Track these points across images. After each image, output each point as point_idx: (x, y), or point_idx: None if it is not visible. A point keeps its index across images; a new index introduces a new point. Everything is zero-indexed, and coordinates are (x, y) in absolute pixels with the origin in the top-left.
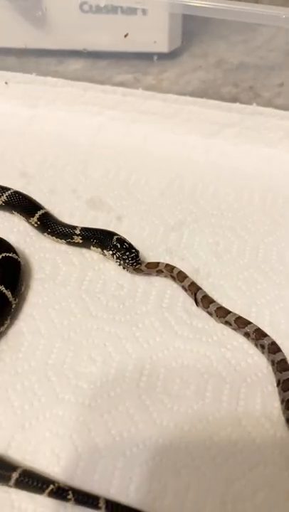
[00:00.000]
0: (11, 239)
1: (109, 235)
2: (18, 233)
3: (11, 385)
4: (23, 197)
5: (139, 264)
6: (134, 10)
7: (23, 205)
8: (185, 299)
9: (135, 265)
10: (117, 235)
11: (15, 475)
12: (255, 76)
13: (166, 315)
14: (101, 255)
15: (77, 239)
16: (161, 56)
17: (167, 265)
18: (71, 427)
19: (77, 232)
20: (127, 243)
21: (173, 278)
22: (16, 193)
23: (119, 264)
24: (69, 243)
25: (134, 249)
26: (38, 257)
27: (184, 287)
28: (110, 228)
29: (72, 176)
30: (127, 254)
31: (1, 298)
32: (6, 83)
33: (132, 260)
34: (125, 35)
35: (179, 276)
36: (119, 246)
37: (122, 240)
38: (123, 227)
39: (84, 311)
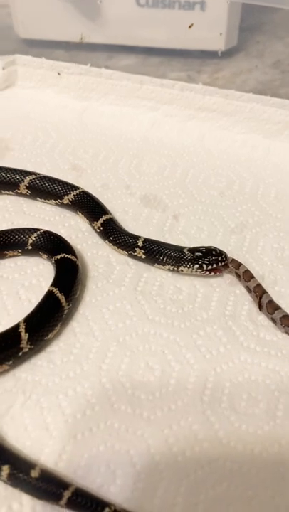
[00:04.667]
0: (62, 233)
1: (178, 248)
2: (70, 228)
3: (62, 390)
4: (90, 198)
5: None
6: (192, 5)
7: (90, 207)
8: (250, 308)
9: (226, 261)
10: (183, 247)
11: (67, 494)
12: None
13: (230, 324)
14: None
15: (140, 252)
16: (216, 55)
17: (234, 260)
18: (128, 440)
19: (140, 243)
20: (201, 248)
21: (238, 276)
22: (84, 193)
23: (209, 272)
24: (131, 255)
25: (210, 247)
26: (90, 254)
27: (248, 288)
28: (166, 227)
29: (125, 171)
30: (213, 254)
31: (54, 302)
32: (59, 74)
33: (221, 255)
34: (190, 26)
35: (245, 276)
36: (200, 254)
37: (194, 249)
38: (180, 226)
39: (140, 314)
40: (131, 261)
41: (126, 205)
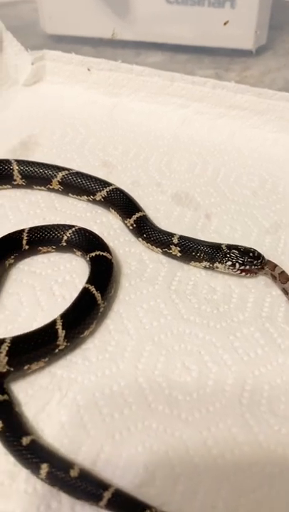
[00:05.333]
0: (94, 230)
1: (215, 245)
2: (102, 225)
3: (98, 388)
4: (123, 195)
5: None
6: (222, 2)
7: (122, 204)
8: (287, 309)
9: (264, 263)
10: (221, 243)
11: (107, 495)
12: None
13: (267, 326)
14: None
15: (175, 250)
16: (244, 53)
17: (269, 261)
18: (166, 441)
19: (175, 241)
20: (239, 246)
21: (273, 278)
22: (117, 190)
23: (241, 272)
24: (165, 253)
25: (250, 248)
26: (122, 251)
27: (284, 290)
28: (198, 226)
29: (156, 168)
30: (250, 256)
31: (91, 300)
32: (89, 70)
33: (258, 259)
34: (225, 23)
35: (281, 277)
36: (237, 252)
37: (232, 246)
38: (212, 225)
39: (174, 313)
40: (164, 259)
41: (157, 203)
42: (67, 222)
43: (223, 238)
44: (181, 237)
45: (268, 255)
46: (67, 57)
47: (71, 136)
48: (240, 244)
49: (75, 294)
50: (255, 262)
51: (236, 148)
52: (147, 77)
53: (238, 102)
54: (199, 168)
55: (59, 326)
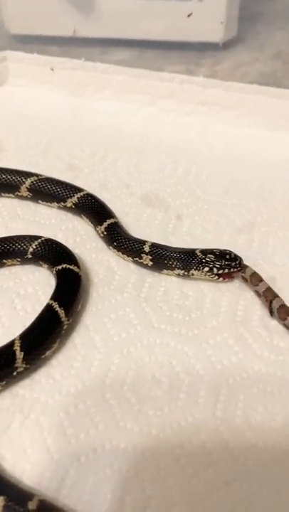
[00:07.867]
0: (60, 237)
1: (189, 251)
2: (67, 231)
3: (63, 408)
4: (95, 201)
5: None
6: None
7: (94, 210)
8: (262, 312)
9: (243, 264)
10: (195, 249)
11: None
12: None
13: (241, 331)
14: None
15: (146, 259)
16: (215, 47)
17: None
18: (137, 463)
19: (146, 249)
20: (215, 250)
21: (245, 280)
22: (89, 195)
23: (219, 277)
24: (136, 262)
25: (226, 251)
26: (89, 259)
27: (257, 292)
28: (170, 229)
29: (124, 170)
30: (226, 258)
31: (53, 317)
32: (52, 69)
33: (235, 261)
34: (189, 15)
35: (252, 279)
36: (213, 256)
37: (207, 250)
38: (184, 227)
39: (144, 323)
40: (133, 265)
41: (126, 206)
42: (31, 230)
43: (196, 240)
44: (152, 245)
45: (242, 255)
46: (31, 58)
47: (36, 139)
48: (212, 245)
49: (38, 308)
50: (232, 264)
51: (208, 146)
52: (112, 74)
53: (208, 98)
54: (169, 167)
55: (17, 347)
